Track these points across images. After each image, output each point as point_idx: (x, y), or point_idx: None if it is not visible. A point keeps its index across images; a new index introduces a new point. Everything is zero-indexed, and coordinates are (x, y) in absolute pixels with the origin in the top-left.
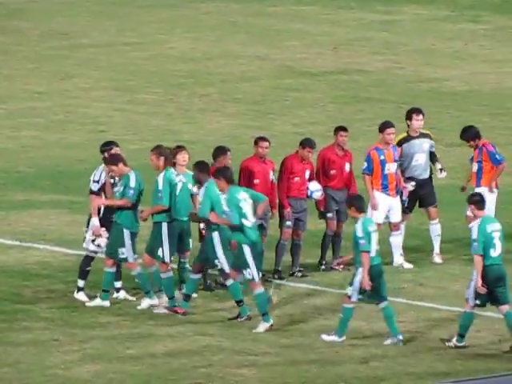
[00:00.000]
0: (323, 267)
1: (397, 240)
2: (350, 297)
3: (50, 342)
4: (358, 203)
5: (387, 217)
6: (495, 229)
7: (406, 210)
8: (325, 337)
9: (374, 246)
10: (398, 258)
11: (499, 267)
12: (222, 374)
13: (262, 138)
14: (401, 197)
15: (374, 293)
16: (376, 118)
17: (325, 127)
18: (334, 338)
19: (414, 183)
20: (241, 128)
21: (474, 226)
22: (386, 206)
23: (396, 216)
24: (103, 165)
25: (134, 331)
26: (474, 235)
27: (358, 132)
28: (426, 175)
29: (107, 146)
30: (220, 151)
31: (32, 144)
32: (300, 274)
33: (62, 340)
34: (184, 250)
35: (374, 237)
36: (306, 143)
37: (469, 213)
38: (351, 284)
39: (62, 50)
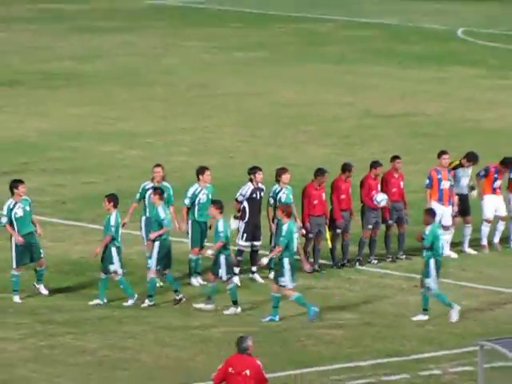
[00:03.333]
0: (390, 259)
1: (446, 237)
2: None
3: (193, 310)
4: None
5: (441, 221)
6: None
7: (456, 216)
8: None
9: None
10: (447, 251)
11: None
12: (318, 334)
13: (348, 165)
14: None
15: None
16: (431, 148)
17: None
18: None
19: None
20: (332, 155)
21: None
22: (440, 213)
23: (447, 220)
24: (249, 183)
25: (252, 302)
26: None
27: (418, 158)
28: (466, 192)
29: (253, 169)
30: (319, 171)
31: (180, 166)
32: (376, 262)
33: (204, 308)
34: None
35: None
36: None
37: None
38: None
39: (202, 98)
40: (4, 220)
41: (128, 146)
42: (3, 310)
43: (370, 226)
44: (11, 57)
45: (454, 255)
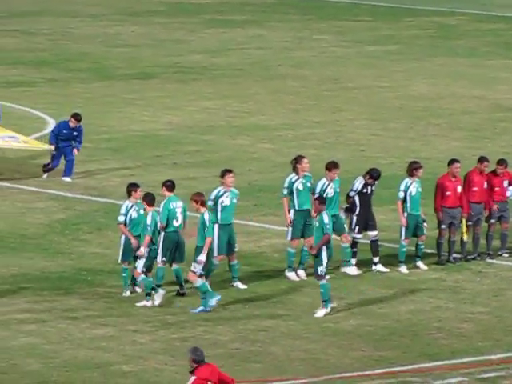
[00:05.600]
0: None
1: None
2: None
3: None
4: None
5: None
6: (178, 206)
7: None
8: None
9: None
10: None
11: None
12: (449, 328)
13: (485, 158)
14: None
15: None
16: None
17: None
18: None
19: None
20: (463, 149)
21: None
22: None
23: None
24: (361, 177)
25: (384, 295)
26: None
27: None
28: None
29: (375, 172)
30: (450, 161)
31: (311, 159)
32: (507, 255)
33: (333, 300)
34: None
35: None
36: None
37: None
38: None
39: (334, 91)
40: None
41: (259, 140)
42: (135, 301)
43: (493, 220)
44: (144, 50)
45: None
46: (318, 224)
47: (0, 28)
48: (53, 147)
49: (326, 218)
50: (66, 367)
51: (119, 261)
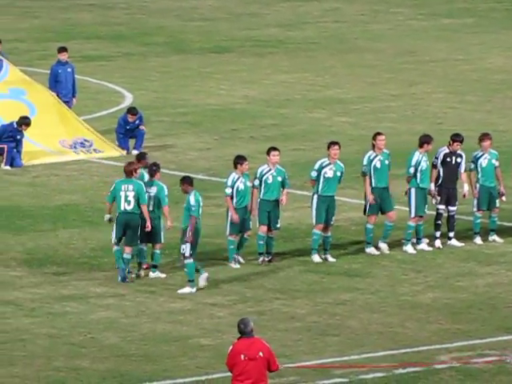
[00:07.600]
0: None
1: None
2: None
3: (401, 276)
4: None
5: None
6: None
7: None
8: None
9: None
10: None
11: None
12: None
13: None
14: None
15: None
16: None
17: None
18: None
19: None
20: None
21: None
22: None
23: None
24: (445, 147)
25: (461, 269)
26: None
27: None
28: None
29: (458, 137)
30: None
31: (388, 132)
32: None
33: (410, 274)
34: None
35: None
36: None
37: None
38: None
39: (410, 64)
40: (228, 191)
41: (336, 113)
42: (214, 275)
43: None
44: (220, 24)
45: None
46: (185, 204)
47: (77, 2)
48: (124, 152)
49: (192, 200)
50: (143, 341)
51: (227, 233)
